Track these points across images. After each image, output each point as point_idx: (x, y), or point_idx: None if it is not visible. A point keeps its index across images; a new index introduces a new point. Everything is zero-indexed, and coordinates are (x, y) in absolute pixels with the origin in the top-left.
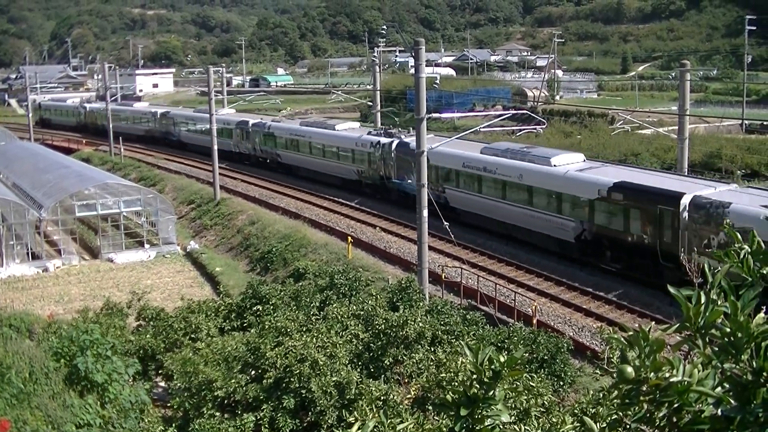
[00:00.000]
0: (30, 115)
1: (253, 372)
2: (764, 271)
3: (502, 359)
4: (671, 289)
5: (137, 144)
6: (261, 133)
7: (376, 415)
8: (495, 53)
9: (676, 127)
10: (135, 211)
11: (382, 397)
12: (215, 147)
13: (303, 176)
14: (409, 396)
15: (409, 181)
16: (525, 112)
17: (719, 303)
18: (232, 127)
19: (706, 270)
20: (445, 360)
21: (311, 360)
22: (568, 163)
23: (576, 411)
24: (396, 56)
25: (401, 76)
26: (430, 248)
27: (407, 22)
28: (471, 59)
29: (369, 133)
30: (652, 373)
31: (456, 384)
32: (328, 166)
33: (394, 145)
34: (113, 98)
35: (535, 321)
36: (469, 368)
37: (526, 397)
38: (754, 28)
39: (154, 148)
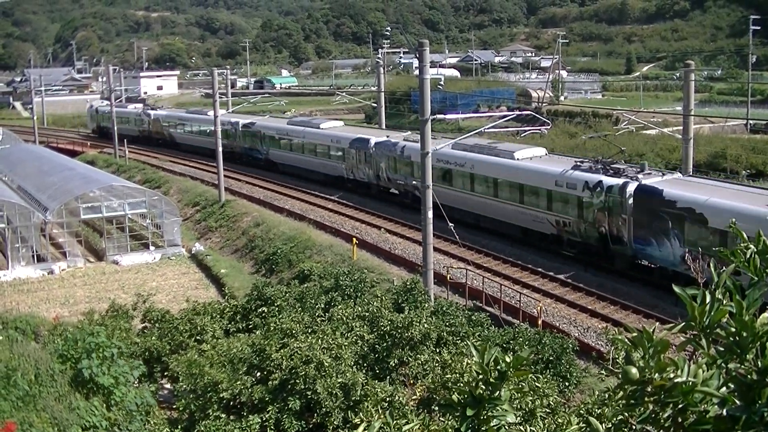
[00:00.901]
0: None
1: (258, 374)
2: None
3: (507, 360)
4: (676, 289)
5: (211, 160)
6: (390, 157)
7: (382, 416)
8: (499, 54)
9: (681, 128)
10: (140, 213)
11: (387, 399)
12: (219, 149)
13: (461, 220)
14: (414, 397)
15: (658, 247)
16: (529, 113)
17: (724, 302)
18: (345, 146)
19: (712, 270)
20: (450, 361)
21: (317, 361)
22: None
23: (581, 411)
24: (400, 58)
25: (405, 78)
26: (435, 249)
27: (411, 23)
28: (475, 60)
29: (578, 167)
30: (657, 374)
31: (462, 385)
32: (503, 211)
33: (629, 190)
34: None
35: (540, 322)
36: (474, 369)
37: (531, 398)
38: (759, 28)
39: (234, 167)
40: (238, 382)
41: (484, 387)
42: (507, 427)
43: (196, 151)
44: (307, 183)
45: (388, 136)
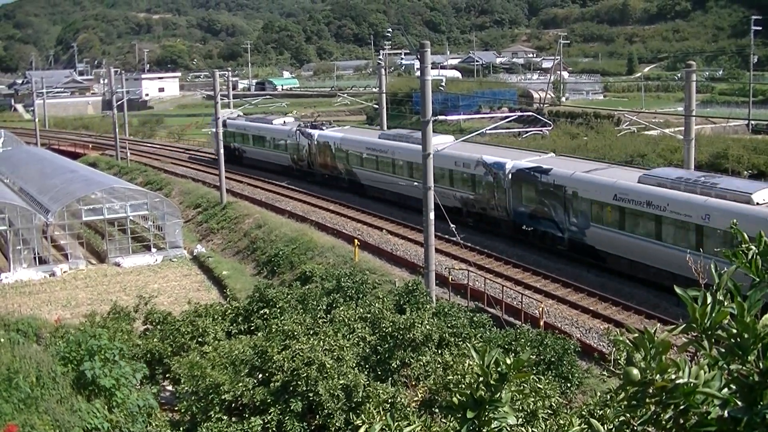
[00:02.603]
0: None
1: (260, 375)
2: None
3: (508, 361)
4: (678, 290)
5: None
6: None
7: (383, 417)
8: (500, 55)
9: (683, 128)
10: (142, 215)
11: (389, 400)
12: (221, 149)
13: None
14: (416, 398)
15: None
16: (531, 114)
17: (726, 304)
18: None
19: (713, 271)
20: (452, 362)
21: (318, 363)
22: None
23: (583, 413)
24: (401, 59)
25: (407, 79)
26: (437, 251)
27: (412, 24)
28: (476, 61)
29: None
30: (658, 375)
31: (463, 386)
32: None
33: None
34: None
35: (542, 323)
36: (475, 371)
37: (533, 399)
38: (760, 28)
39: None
40: (240, 384)
41: (484, 389)
42: (508, 429)
43: (404, 203)
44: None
45: None
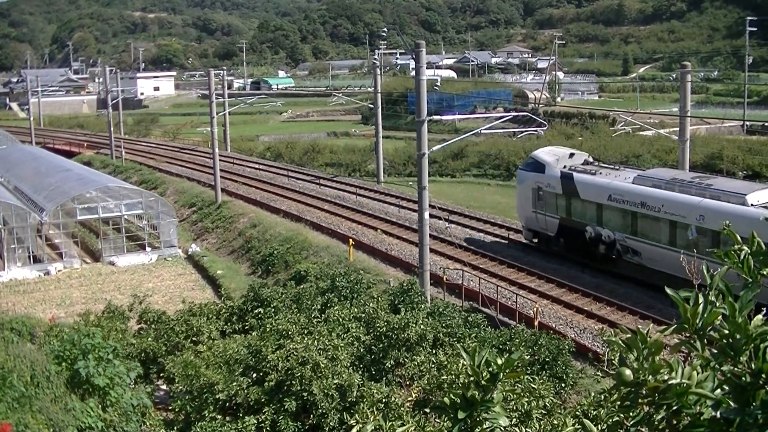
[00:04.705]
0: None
1: (254, 375)
2: (765, 272)
3: (499, 362)
4: (668, 291)
5: None
6: None
7: (376, 417)
8: (496, 55)
9: (678, 129)
10: (136, 214)
11: (383, 400)
12: (216, 148)
13: None
14: (410, 398)
15: None
16: (526, 114)
17: (717, 304)
18: None
19: (705, 271)
20: (446, 362)
21: (313, 363)
22: None
23: (577, 413)
24: (397, 58)
25: (402, 79)
26: (432, 250)
27: (408, 24)
28: (472, 61)
29: None
30: (651, 376)
31: (456, 386)
32: None
33: None
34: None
35: (536, 323)
36: (468, 371)
37: (527, 399)
38: (755, 29)
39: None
40: (234, 384)
41: (476, 389)
42: (501, 430)
43: None
44: None
45: None
